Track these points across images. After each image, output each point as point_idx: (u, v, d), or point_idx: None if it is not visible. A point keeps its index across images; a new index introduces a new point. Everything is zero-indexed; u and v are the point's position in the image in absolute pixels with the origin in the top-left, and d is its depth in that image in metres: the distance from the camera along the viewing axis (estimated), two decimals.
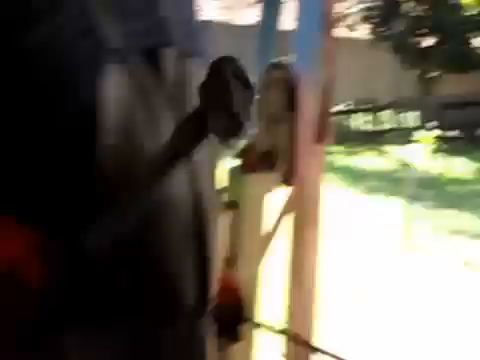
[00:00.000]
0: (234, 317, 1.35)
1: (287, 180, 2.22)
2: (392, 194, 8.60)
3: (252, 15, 14.92)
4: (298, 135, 2.19)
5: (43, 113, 0.80)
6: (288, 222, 2.32)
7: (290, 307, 2.40)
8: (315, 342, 2.41)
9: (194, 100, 0.91)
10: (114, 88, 0.83)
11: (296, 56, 2.30)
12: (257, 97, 2.28)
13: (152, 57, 0.93)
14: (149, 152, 0.87)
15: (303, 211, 2.30)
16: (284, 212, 2.29)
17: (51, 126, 0.80)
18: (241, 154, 2.18)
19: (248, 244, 2.16)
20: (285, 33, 2.48)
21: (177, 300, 0.97)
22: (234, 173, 2.17)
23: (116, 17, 0.89)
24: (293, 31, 2.35)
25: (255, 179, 2.16)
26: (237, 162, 2.20)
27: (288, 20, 2.51)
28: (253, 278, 2.20)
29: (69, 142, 0.80)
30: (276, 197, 2.27)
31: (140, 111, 0.87)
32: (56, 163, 0.80)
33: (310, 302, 2.43)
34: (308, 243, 2.35)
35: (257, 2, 14.84)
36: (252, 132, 2.28)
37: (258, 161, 2.14)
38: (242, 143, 2.27)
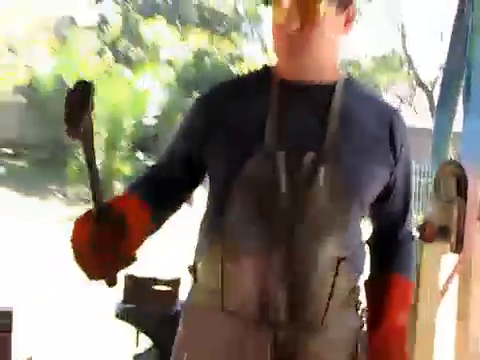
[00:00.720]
0: None
1: (457, 249, 2.78)
2: None
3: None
4: (465, 214, 2.77)
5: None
6: (457, 282, 2.91)
7: (457, 355, 2.93)
8: None
9: (314, 199, 1.50)
10: (256, 167, 1.50)
11: (465, 153, 2.91)
12: (433, 183, 2.91)
13: (294, 156, 1.51)
14: (261, 197, 1.52)
15: (469, 274, 2.88)
16: (454, 273, 2.89)
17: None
18: (421, 227, 2.79)
19: (426, 297, 2.72)
20: (455, 133, 3.09)
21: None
22: (415, 242, 2.78)
23: (278, 133, 1.53)
24: (462, 133, 2.97)
25: (432, 247, 2.73)
26: (417, 233, 2.81)
27: (458, 123, 3.13)
28: (430, 327, 2.73)
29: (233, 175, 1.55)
30: (448, 261, 2.86)
31: (266, 179, 1.51)
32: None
33: (475, 351, 2.94)
34: (474, 300, 2.90)
35: (430, 109, 16.05)
36: (429, 210, 2.90)
37: (435, 233, 2.74)
38: (422, 218, 2.88)
